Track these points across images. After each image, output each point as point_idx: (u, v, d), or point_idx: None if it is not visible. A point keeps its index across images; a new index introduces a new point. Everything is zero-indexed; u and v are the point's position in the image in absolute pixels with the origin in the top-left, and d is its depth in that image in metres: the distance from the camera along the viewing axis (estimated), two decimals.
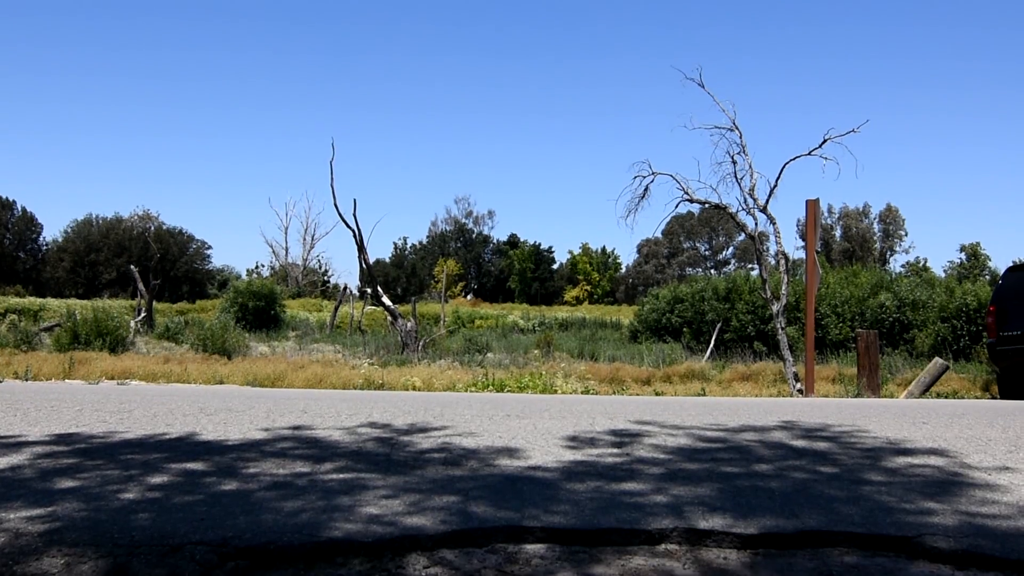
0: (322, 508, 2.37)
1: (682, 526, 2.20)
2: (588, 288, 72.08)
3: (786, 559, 2.03)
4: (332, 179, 20.72)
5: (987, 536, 2.16)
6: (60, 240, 60.85)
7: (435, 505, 2.43)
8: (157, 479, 2.77)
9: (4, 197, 60.16)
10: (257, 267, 64.46)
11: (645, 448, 3.59)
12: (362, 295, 34.49)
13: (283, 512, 2.31)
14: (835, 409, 5.87)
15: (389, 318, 20.33)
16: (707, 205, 14.80)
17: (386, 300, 19.64)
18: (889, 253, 66.26)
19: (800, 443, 3.85)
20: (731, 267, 67.90)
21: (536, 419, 4.74)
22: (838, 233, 67.18)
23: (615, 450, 3.52)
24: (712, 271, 67.67)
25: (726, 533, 2.15)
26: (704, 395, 11.86)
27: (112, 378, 12.24)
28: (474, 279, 76.97)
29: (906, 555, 2.06)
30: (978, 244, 56.00)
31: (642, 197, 14.62)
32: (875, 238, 67.13)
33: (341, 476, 2.88)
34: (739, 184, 14.04)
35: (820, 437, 4.07)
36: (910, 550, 2.08)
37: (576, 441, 3.78)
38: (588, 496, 2.57)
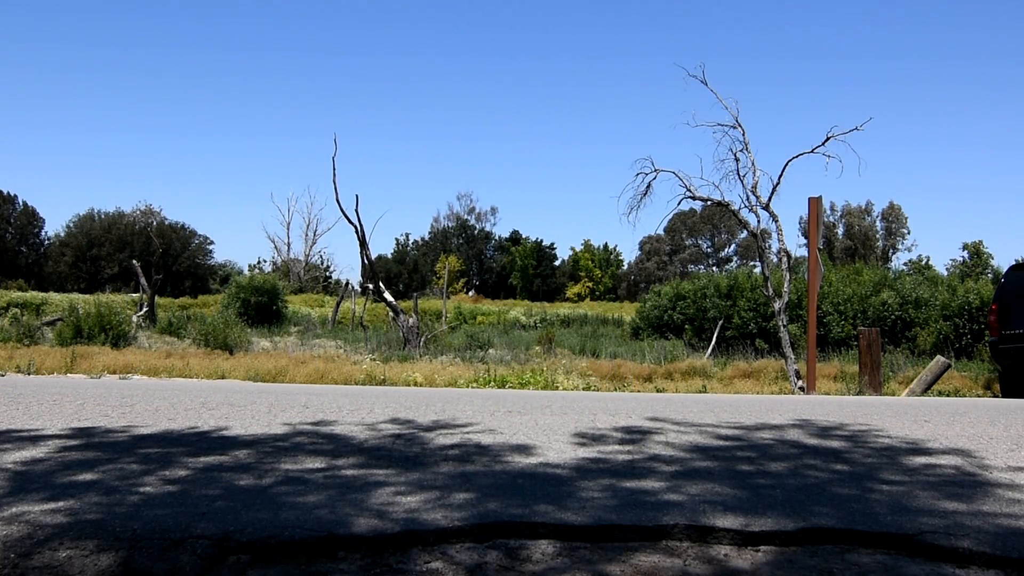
0: (324, 502, 2.37)
1: (683, 522, 2.20)
2: (590, 285, 72.06)
3: (788, 556, 2.04)
4: (335, 174, 20.77)
5: (988, 534, 2.16)
6: (62, 235, 60.89)
7: (441, 501, 2.43)
8: (160, 474, 2.77)
9: (6, 192, 60.24)
10: (259, 262, 64.54)
11: (653, 445, 3.60)
12: (364, 291, 34.49)
13: (284, 507, 2.31)
14: (836, 407, 5.87)
15: (391, 314, 20.32)
16: (709, 202, 14.79)
17: (388, 296, 19.65)
18: (891, 251, 66.18)
19: (802, 439, 3.85)
20: (733, 264, 67.83)
21: (538, 415, 4.75)
22: (840, 231, 67.10)
23: (621, 447, 3.53)
24: (714, 268, 67.66)
25: (736, 531, 2.15)
26: (706, 392, 11.86)
27: (114, 372, 12.27)
28: (476, 275, 76.98)
29: (907, 553, 2.06)
30: (980, 242, 55.87)
31: (644, 194, 14.63)
32: (877, 236, 67.03)
33: (345, 472, 2.88)
34: (742, 181, 14.05)
35: (823, 435, 4.07)
36: (911, 548, 2.08)
37: (583, 438, 3.78)
38: (598, 493, 2.57)
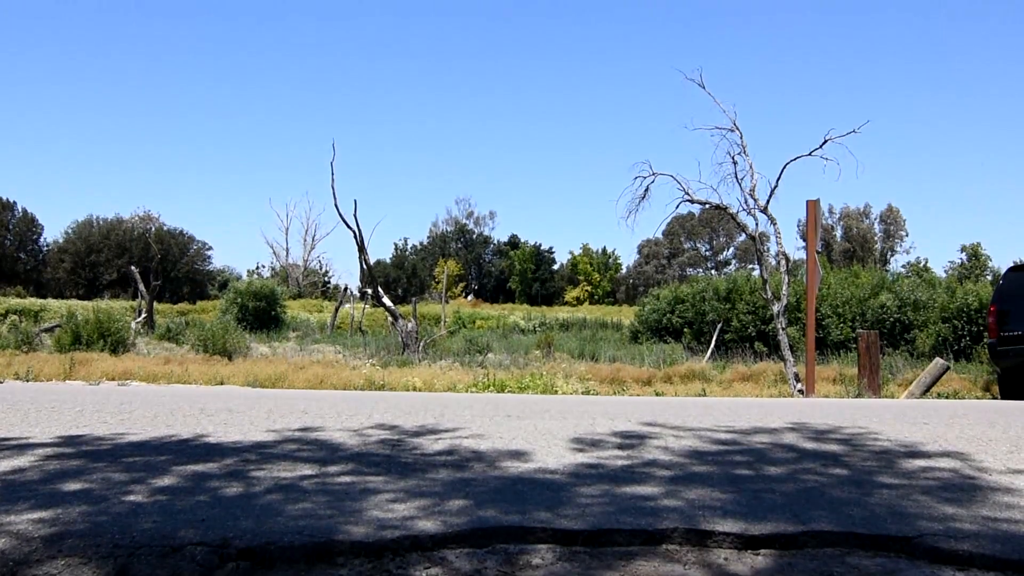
0: (323, 510, 2.37)
1: (682, 527, 2.19)
2: (589, 289, 72.07)
3: (787, 560, 2.04)
4: (333, 180, 20.67)
5: (987, 537, 2.16)
6: (61, 241, 60.85)
7: (438, 507, 2.43)
8: (158, 481, 2.77)
9: (5, 198, 60.17)
10: (258, 268, 64.58)
11: (652, 450, 3.59)
12: (363, 296, 34.46)
13: (284, 514, 2.31)
14: (835, 409, 5.87)
15: (390, 319, 20.30)
16: (708, 206, 14.80)
17: (387, 301, 19.65)
18: (890, 253, 66.28)
19: (800, 443, 3.85)
20: (732, 267, 67.85)
21: (537, 420, 4.74)
22: (839, 233, 67.20)
23: (620, 452, 3.52)
24: (713, 271, 67.69)
25: (735, 535, 2.15)
26: (705, 395, 11.85)
27: (113, 379, 12.24)
28: (475, 280, 76.98)
29: (907, 555, 2.06)
30: (978, 244, 55.96)
31: (643, 198, 14.63)
32: (876, 238, 67.16)
33: (344, 479, 2.88)
34: (740, 185, 14.05)
35: (820, 439, 4.07)
36: (910, 551, 2.08)
37: (582, 443, 3.78)
38: (595, 499, 2.57)
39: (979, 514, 2.41)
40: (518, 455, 3.37)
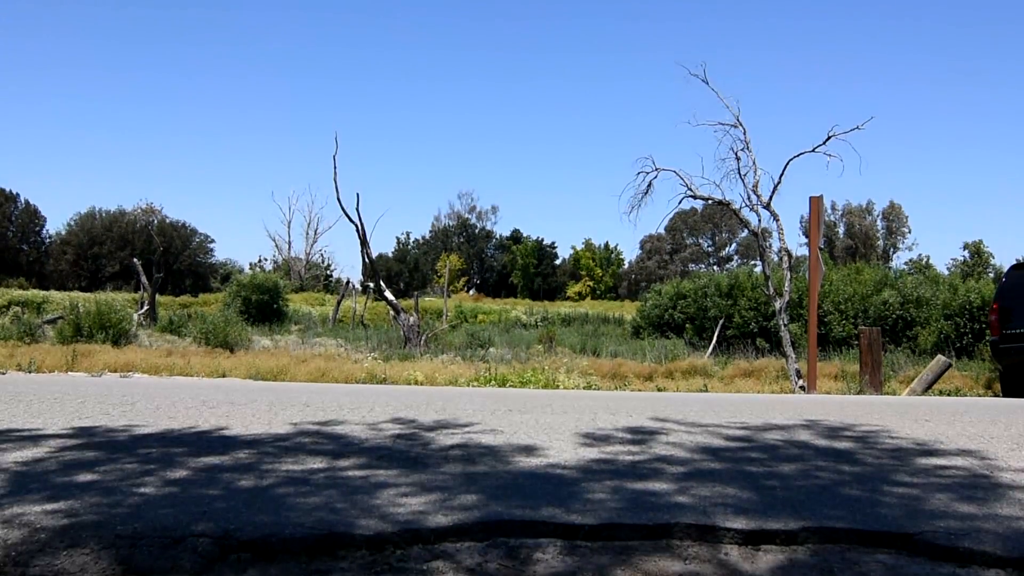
0: (325, 502, 2.37)
1: (690, 523, 2.19)
2: (591, 284, 72.09)
3: (788, 555, 2.03)
4: (335, 173, 20.68)
5: (989, 533, 2.15)
6: (63, 233, 60.88)
7: (447, 502, 2.43)
8: (160, 473, 2.77)
9: (7, 190, 60.16)
10: (260, 261, 64.64)
11: (657, 445, 3.59)
12: (364, 289, 34.55)
13: (285, 506, 2.31)
14: (837, 406, 5.87)
15: (391, 312, 20.31)
16: (710, 201, 14.80)
17: (389, 294, 19.66)
18: (892, 250, 66.22)
19: (809, 439, 3.85)
20: (734, 263, 67.77)
21: (540, 414, 4.74)
22: (841, 230, 67.13)
23: (624, 447, 3.52)
24: (715, 267, 67.68)
25: (745, 532, 2.14)
26: (706, 391, 11.85)
27: (115, 371, 12.26)
28: (477, 274, 76.95)
29: (907, 552, 2.06)
30: (981, 242, 55.85)
31: (645, 193, 14.64)
32: (878, 235, 67.08)
33: (346, 472, 2.88)
34: (743, 180, 14.05)
35: (830, 435, 4.07)
36: (911, 547, 2.08)
37: (586, 437, 3.77)
38: (603, 494, 2.56)
39: (981, 511, 2.40)
40: (523, 450, 3.37)
